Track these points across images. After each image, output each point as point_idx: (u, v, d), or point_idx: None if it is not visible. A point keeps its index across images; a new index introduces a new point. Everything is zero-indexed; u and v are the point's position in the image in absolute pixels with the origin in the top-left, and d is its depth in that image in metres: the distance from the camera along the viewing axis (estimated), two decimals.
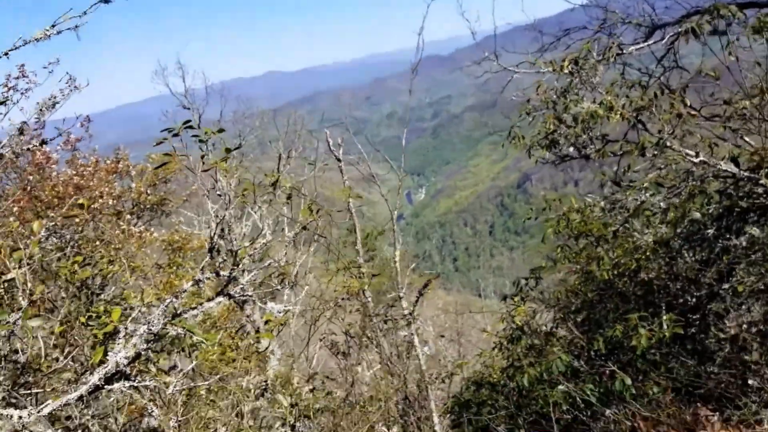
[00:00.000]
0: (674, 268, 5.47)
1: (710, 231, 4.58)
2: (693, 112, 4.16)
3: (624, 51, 7.90)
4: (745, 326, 4.28)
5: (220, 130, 2.68)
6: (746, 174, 4.26)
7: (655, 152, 4.12)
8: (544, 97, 4.77)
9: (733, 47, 4.48)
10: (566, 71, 4.38)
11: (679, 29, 7.53)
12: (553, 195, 6.12)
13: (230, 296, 2.66)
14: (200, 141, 2.61)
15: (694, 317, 5.08)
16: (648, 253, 5.44)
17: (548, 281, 7.01)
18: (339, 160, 8.53)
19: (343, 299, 6.90)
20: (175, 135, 2.66)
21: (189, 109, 12.91)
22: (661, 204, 4.49)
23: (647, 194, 4.53)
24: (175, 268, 7.27)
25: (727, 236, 4.84)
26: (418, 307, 6.96)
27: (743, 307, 4.56)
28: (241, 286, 2.68)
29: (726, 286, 4.67)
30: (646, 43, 7.51)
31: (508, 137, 5.40)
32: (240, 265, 2.56)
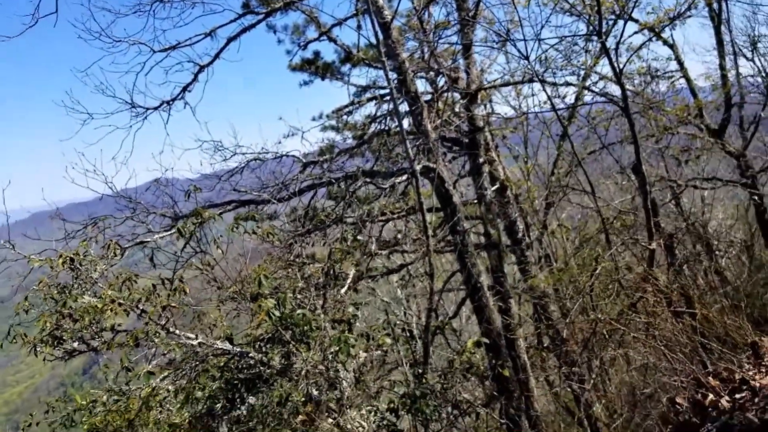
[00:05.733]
0: None
1: (218, 405, 5.01)
2: (174, 305, 4.70)
3: (150, 239, 8.48)
4: None
5: None
6: (238, 350, 4.96)
7: (150, 340, 4.40)
8: (44, 294, 4.57)
9: (219, 242, 5.41)
10: (63, 268, 4.37)
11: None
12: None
13: None
14: None
15: None
16: None
17: None
18: None
19: None
20: None
21: None
22: (170, 387, 4.72)
23: (158, 379, 4.70)
24: None
25: (238, 406, 5.40)
26: None
27: None
28: None
29: None
30: (168, 233, 8.27)
31: (7, 337, 4.85)
32: None
